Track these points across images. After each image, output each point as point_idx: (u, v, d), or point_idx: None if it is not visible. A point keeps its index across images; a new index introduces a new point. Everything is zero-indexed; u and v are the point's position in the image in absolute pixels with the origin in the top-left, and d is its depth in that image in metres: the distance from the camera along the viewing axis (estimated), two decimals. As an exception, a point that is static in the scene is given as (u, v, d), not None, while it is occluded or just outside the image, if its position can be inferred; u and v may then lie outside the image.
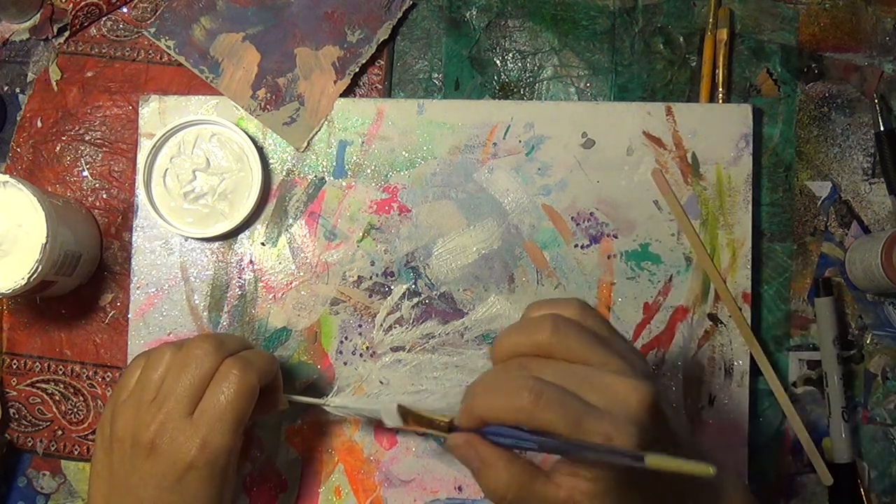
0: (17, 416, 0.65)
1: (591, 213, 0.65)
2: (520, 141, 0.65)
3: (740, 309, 0.64)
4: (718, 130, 0.65)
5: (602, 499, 0.40)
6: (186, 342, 0.54)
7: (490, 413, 0.41)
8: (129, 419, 0.52)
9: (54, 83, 0.67)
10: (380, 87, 0.67)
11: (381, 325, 0.64)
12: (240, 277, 0.65)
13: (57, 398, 0.65)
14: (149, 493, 0.51)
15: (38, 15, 0.67)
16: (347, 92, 0.66)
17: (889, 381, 0.66)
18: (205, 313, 0.65)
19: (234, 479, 0.54)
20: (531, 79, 0.68)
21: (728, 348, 0.64)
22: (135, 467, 0.51)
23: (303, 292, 0.65)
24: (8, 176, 0.57)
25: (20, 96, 0.67)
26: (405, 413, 0.49)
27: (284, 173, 0.66)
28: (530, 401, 0.39)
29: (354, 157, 0.65)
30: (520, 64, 0.68)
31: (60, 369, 0.65)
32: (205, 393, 0.52)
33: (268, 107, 0.66)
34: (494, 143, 0.65)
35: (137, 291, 0.64)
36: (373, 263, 0.65)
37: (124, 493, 0.52)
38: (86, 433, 0.65)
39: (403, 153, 0.65)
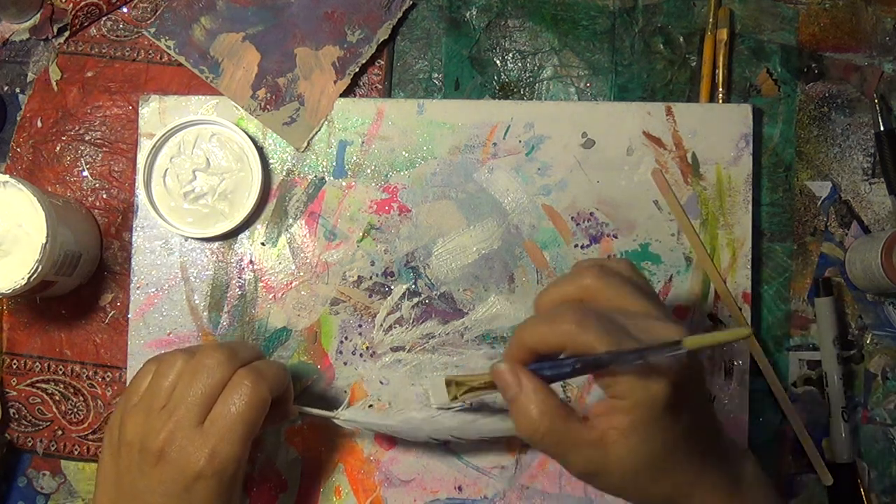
0: (17, 416, 0.65)
1: (591, 213, 0.65)
2: (520, 141, 0.65)
3: (740, 309, 0.64)
4: (718, 130, 0.65)
5: (634, 436, 0.42)
6: (199, 350, 0.53)
7: (537, 340, 0.43)
8: (138, 425, 0.51)
9: (54, 83, 0.67)
10: (380, 87, 0.67)
11: (381, 325, 0.64)
12: (240, 277, 0.65)
13: (57, 398, 0.65)
14: (156, 500, 0.50)
15: (38, 15, 0.67)
16: (347, 92, 0.66)
17: (889, 381, 0.66)
18: (205, 313, 0.65)
19: (241, 488, 0.53)
20: (531, 79, 0.68)
21: (728, 348, 0.64)
22: (143, 473, 0.51)
23: (303, 292, 0.65)
24: (8, 176, 0.57)
25: (20, 96, 0.67)
26: (451, 383, 0.49)
27: (284, 173, 0.66)
28: (575, 323, 0.41)
29: (354, 157, 0.65)
30: (520, 64, 0.68)
31: (60, 369, 0.65)
32: (216, 403, 0.51)
33: (268, 107, 0.66)
34: (494, 143, 0.65)
35: (137, 291, 0.64)
36: (373, 263, 0.65)
37: (131, 498, 0.51)
38: (86, 433, 0.65)
39: (403, 153, 0.65)
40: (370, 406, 0.59)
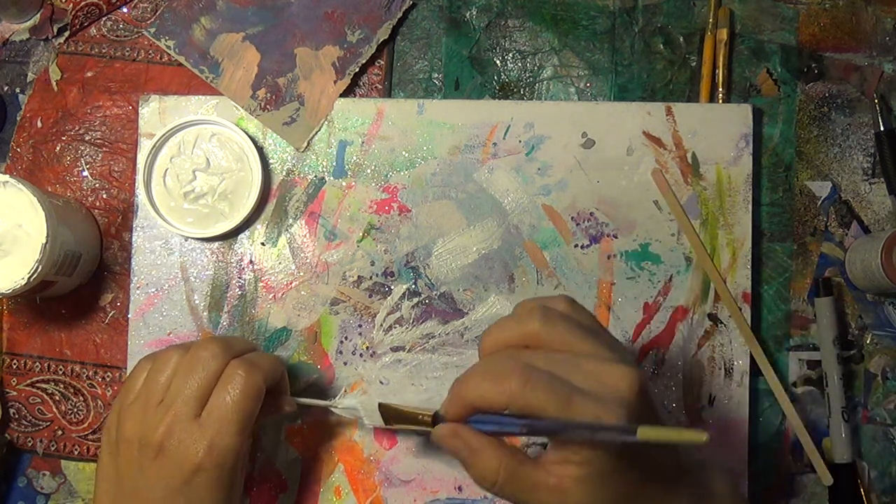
0: (17, 416, 0.65)
1: (591, 213, 0.65)
2: (520, 141, 0.65)
3: (740, 309, 0.64)
4: (718, 130, 0.65)
5: (591, 484, 0.41)
6: (193, 344, 0.54)
7: (479, 397, 0.42)
8: (136, 422, 0.52)
9: (54, 83, 0.67)
10: (380, 87, 0.67)
11: (381, 325, 0.64)
12: (240, 277, 0.65)
13: (57, 398, 0.65)
14: (156, 496, 0.51)
15: (38, 15, 0.67)
16: (347, 92, 0.66)
17: (889, 381, 0.66)
18: (205, 313, 0.65)
19: (242, 482, 0.54)
20: (531, 79, 0.68)
21: (728, 348, 0.64)
22: (142, 469, 0.51)
23: (303, 292, 0.65)
24: (8, 176, 0.57)
25: (20, 96, 0.67)
26: (387, 412, 0.49)
27: (284, 173, 0.66)
28: (519, 383, 0.40)
29: (354, 157, 0.65)
30: (520, 64, 0.68)
31: (60, 369, 0.65)
32: (211, 395, 0.52)
33: (268, 107, 0.66)
34: (494, 143, 0.65)
35: (137, 291, 0.64)
36: (373, 263, 0.65)
37: (132, 496, 0.51)
38: (86, 433, 0.65)
39: (403, 153, 0.65)
40: (364, 394, 0.59)
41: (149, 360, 0.54)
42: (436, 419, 0.46)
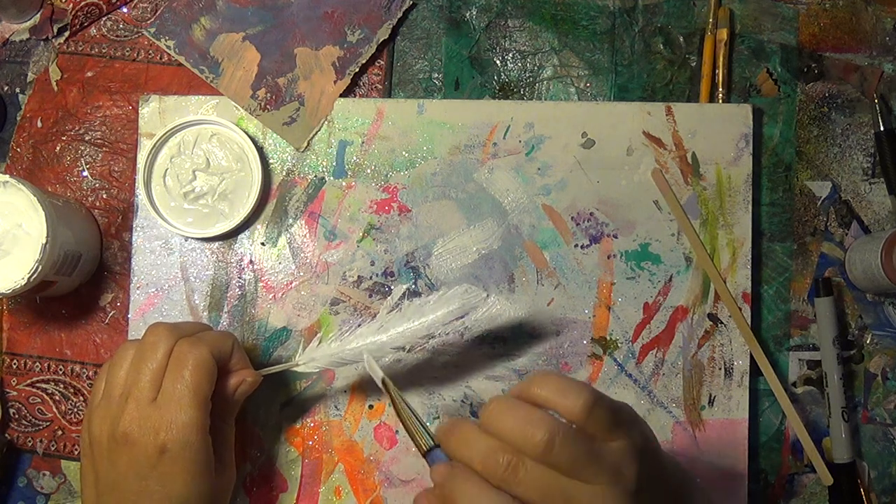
0: (17, 416, 0.65)
1: (591, 213, 0.65)
2: (520, 141, 0.65)
3: (740, 309, 0.64)
4: (718, 130, 0.65)
5: None
6: (145, 333, 0.55)
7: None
8: (102, 419, 0.53)
9: (54, 83, 0.67)
10: (380, 87, 0.67)
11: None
12: (240, 277, 0.65)
13: (57, 398, 0.65)
14: (130, 485, 0.52)
15: (38, 15, 0.67)
16: (347, 92, 0.66)
17: (889, 381, 0.66)
18: (205, 313, 0.65)
19: (212, 462, 0.54)
20: (531, 79, 0.68)
21: (728, 348, 0.64)
22: (114, 464, 0.52)
23: (303, 292, 0.65)
24: (8, 176, 0.57)
25: (20, 96, 0.67)
26: (391, 390, 0.48)
27: (284, 173, 0.66)
28: None
29: (354, 157, 0.65)
30: (520, 64, 0.68)
31: (60, 369, 0.65)
32: (164, 376, 0.53)
33: (268, 107, 0.66)
34: (494, 143, 0.65)
35: (137, 291, 0.64)
36: (373, 263, 0.65)
37: (110, 492, 0.52)
38: (86, 433, 0.65)
39: (403, 153, 0.65)
40: (320, 342, 0.58)
41: (108, 361, 0.56)
42: (430, 451, 0.46)
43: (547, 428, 0.40)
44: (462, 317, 0.58)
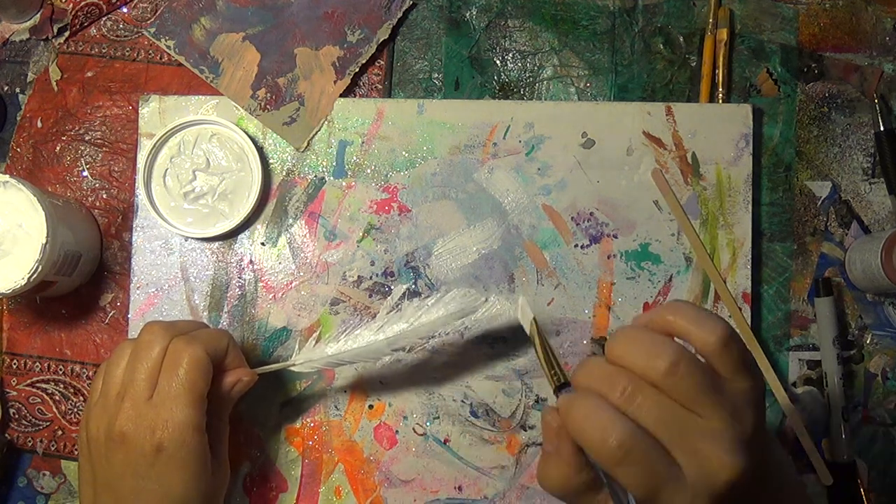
0: (17, 416, 0.65)
1: (591, 213, 0.65)
2: (520, 141, 0.65)
3: (740, 309, 0.64)
4: (718, 130, 0.65)
5: None
6: (140, 331, 0.55)
7: (579, 438, 0.40)
8: (99, 418, 0.53)
9: (54, 83, 0.67)
10: (380, 87, 0.67)
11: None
12: (240, 277, 0.65)
13: (57, 398, 0.65)
14: (127, 484, 0.52)
15: (38, 15, 0.67)
16: (347, 92, 0.66)
17: (889, 381, 0.66)
18: (205, 313, 0.65)
19: (208, 461, 0.54)
20: (531, 79, 0.68)
21: (728, 348, 0.64)
22: (111, 463, 0.52)
23: (303, 292, 0.65)
24: (8, 176, 0.57)
25: (20, 96, 0.67)
26: (537, 330, 0.46)
27: (284, 173, 0.66)
28: (616, 454, 0.38)
29: (354, 157, 0.65)
30: (520, 64, 0.68)
31: (60, 369, 0.65)
32: (159, 374, 0.53)
33: (268, 107, 0.66)
34: (494, 143, 0.65)
35: (137, 291, 0.64)
36: (373, 263, 0.65)
37: (107, 491, 0.53)
38: (86, 433, 0.65)
39: (403, 153, 0.65)
40: (317, 343, 0.58)
41: (105, 361, 0.56)
42: (561, 387, 0.45)
43: (671, 354, 0.39)
44: (461, 319, 0.58)
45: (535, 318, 0.47)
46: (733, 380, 0.40)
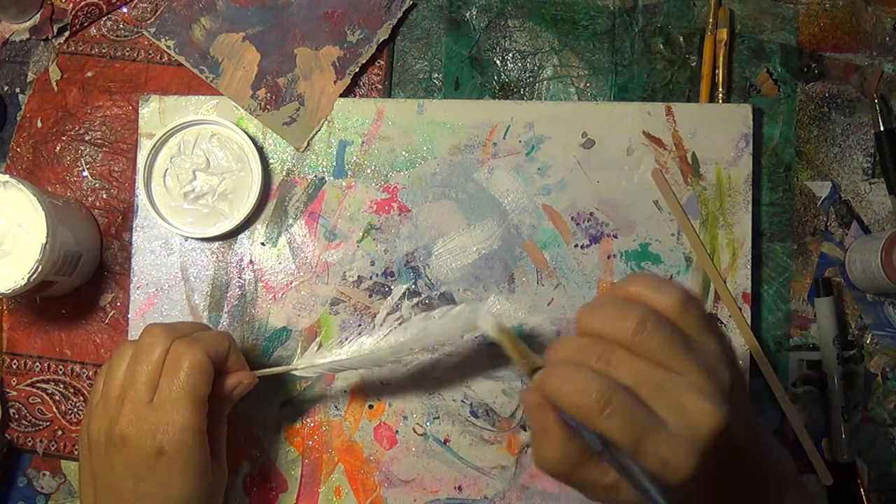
0: (17, 416, 0.65)
1: (591, 213, 0.65)
2: (520, 141, 0.65)
3: (740, 309, 0.64)
4: (718, 130, 0.65)
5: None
6: (141, 333, 0.55)
7: (558, 400, 0.40)
8: (101, 420, 0.53)
9: (54, 83, 0.67)
10: (380, 87, 0.67)
11: (381, 325, 0.64)
12: (240, 277, 0.65)
13: (57, 398, 0.65)
14: (127, 487, 0.52)
15: (38, 15, 0.67)
16: (347, 92, 0.66)
17: (889, 381, 0.66)
18: (205, 313, 0.65)
19: (209, 463, 0.54)
20: (531, 79, 0.68)
21: (728, 348, 0.64)
22: (111, 465, 0.52)
23: (303, 292, 0.65)
24: (8, 176, 0.57)
25: (20, 96, 0.67)
26: (502, 329, 0.47)
27: (284, 173, 0.66)
28: (597, 406, 0.38)
29: (354, 157, 0.65)
30: (520, 64, 0.68)
31: (60, 369, 0.65)
32: (160, 377, 0.53)
33: (268, 107, 0.66)
34: (494, 143, 0.65)
35: (137, 291, 0.64)
36: (373, 263, 0.65)
37: (107, 493, 0.52)
38: (86, 433, 0.65)
39: (403, 153, 0.65)
40: (319, 348, 0.58)
41: (107, 362, 0.55)
42: (537, 370, 0.45)
43: (638, 313, 0.40)
44: (466, 333, 0.57)
45: (496, 320, 0.48)
46: (701, 340, 0.41)
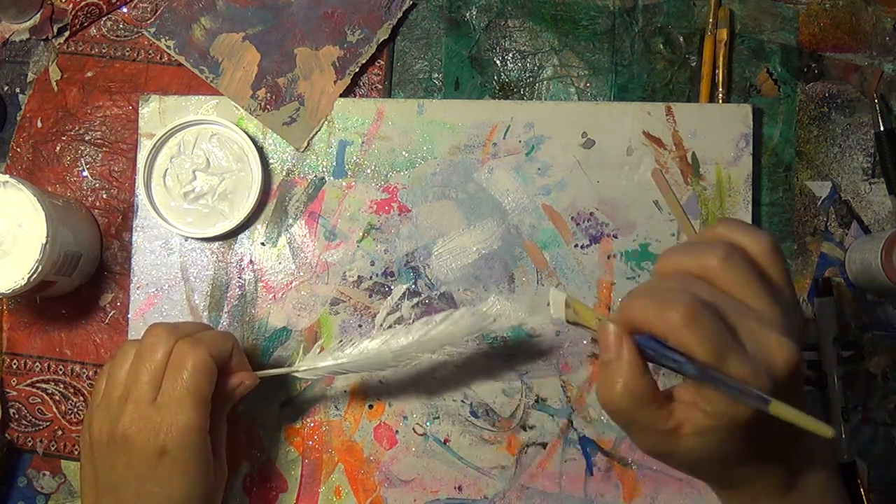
0: (17, 416, 0.65)
1: (591, 213, 0.65)
2: (520, 141, 0.65)
3: (740, 309, 0.64)
4: (718, 130, 0.65)
5: (707, 438, 0.40)
6: (144, 333, 0.55)
7: (642, 317, 0.40)
8: (103, 420, 0.53)
9: (54, 83, 0.67)
10: (380, 87, 0.67)
11: (381, 325, 0.64)
12: (240, 277, 0.65)
13: (57, 398, 0.65)
14: (130, 486, 0.52)
15: (38, 15, 0.67)
16: (347, 92, 0.66)
17: (889, 381, 0.66)
18: (205, 313, 0.65)
19: (211, 463, 0.54)
20: (531, 79, 0.68)
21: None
22: (114, 465, 0.52)
23: (303, 292, 0.65)
24: (8, 176, 0.57)
25: (20, 96, 0.67)
26: (570, 306, 0.46)
27: (284, 173, 0.66)
28: (683, 317, 0.38)
29: (354, 157, 0.65)
30: (520, 64, 0.68)
31: (60, 369, 0.65)
32: (163, 377, 0.53)
33: (268, 107, 0.66)
34: (494, 143, 0.65)
35: (137, 291, 0.64)
36: (373, 263, 0.65)
37: (109, 493, 0.52)
38: (86, 433, 0.65)
39: (403, 153, 0.65)
40: (321, 350, 0.58)
41: (109, 361, 0.55)
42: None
43: (723, 248, 0.40)
44: (469, 337, 0.58)
45: (565, 295, 0.47)
46: (781, 287, 0.42)
